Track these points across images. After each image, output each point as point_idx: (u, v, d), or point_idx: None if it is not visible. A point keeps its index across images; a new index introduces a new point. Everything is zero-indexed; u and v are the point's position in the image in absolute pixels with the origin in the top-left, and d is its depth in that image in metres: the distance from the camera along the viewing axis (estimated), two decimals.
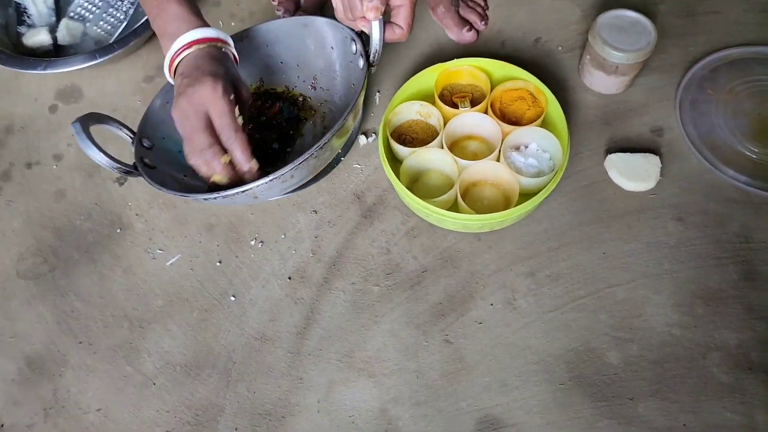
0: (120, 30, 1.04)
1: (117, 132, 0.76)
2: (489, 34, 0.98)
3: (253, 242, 0.86)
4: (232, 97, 0.68)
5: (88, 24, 1.05)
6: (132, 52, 1.01)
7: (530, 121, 0.85)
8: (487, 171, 0.83)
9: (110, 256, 0.88)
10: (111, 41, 1.03)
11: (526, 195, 0.81)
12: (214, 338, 0.81)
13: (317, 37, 0.81)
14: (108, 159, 0.70)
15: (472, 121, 0.86)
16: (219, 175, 0.69)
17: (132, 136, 0.76)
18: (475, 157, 0.87)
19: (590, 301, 0.77)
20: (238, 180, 0.69)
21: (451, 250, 0.83)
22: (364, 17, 0.68)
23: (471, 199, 0.84)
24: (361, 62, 0.74)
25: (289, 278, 0.83)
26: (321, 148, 0.68)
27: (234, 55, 0.75)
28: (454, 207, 0.83)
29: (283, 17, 1.03)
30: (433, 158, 0.85)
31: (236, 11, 1.07)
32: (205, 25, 0.72)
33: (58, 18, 1.06)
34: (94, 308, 0.85)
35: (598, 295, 0.77)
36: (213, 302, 0.83)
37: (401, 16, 0.68)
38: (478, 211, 0.81)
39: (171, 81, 0.72)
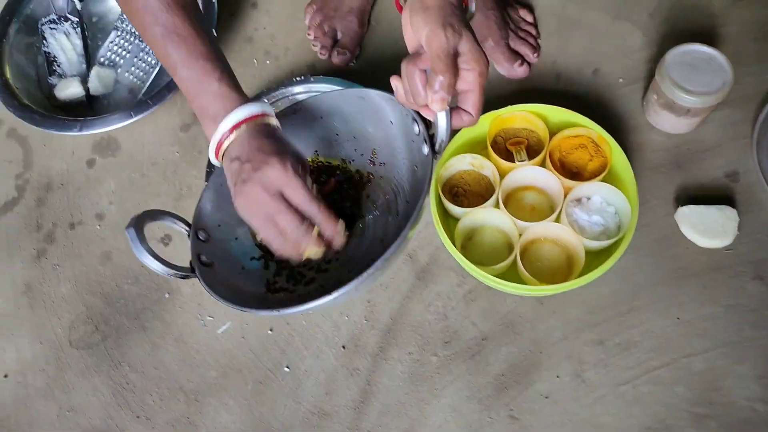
0: (153, 76, 1.00)
1: (172, 226, 0.72)
2: (542, 66, 0.91)
3: None
4: (300, 170, 0.64)
5: (119, 70, 1.02)
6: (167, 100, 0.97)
7: (593, 174, 0.79)
8: (548, 231, 0.78)
9: (161, 324, 0.87)
10: (144, 90, 0.99)
11: (590, 253, 0.76)
12: (270, 413, 0.79)
13: (375, 111, 0.73)
14: (164, 266, 0.66)
15: (530, 174, 0.81)
16: (314, 250, 0.64)
17: (187, 229, 0.72)
18: (533, 210, 0.82)
19: (665, 373, 0.73)
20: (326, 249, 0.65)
21: (512, 315, 0.79)
22: (428, 105, 0.61)
23: (529, 258, 0.79)
24: (425, 148, 0.67)
25: (343, 347, 0.81)
26: (380, 269, 0.61)
27: (278, 126, 0.70)
28: (512, 269, 0.79)
29: (321, 53, 0.98)
30: (488, 217, 0.80)
31: (270, 48, 1.02)
32: (247, 99, 0.67)
33: (89, 64, 1.03)
34: (149, 380, 0.84)
35: (673, 365, 0.73)
36: (267, 373, 0.81)
37: (470, 102, 0.61)
38: (537, 272, 0.77)
39: (217, 164, 0.68)
